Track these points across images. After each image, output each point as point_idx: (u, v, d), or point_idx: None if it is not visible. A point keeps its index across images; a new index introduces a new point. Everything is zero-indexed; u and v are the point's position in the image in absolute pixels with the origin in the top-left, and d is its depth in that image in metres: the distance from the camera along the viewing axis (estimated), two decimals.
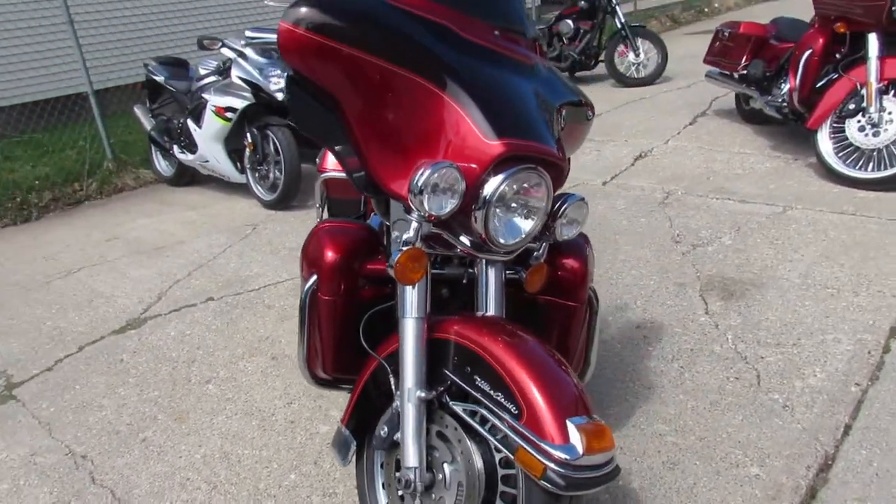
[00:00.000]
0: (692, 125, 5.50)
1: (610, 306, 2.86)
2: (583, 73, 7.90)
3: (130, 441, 2.33)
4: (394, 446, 1.56)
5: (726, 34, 5.24)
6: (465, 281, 1.70)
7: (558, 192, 1.61)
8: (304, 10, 1.37)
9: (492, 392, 1.42)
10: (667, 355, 2.48)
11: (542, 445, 1.29)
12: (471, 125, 1.42)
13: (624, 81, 7.36)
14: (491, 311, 1.60)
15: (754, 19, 5.42)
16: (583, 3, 7.51)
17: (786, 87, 4.38)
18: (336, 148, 1.51)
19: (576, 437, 1.28)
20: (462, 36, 1.54)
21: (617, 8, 7.30)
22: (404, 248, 1.41)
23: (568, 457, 1.27)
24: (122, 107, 6.73)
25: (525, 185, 1.47)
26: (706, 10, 12.94)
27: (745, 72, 4.96)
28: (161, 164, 5.49)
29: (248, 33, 4.40)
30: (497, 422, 1.38)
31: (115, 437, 2.36)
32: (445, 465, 1.50)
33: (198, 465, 2.17)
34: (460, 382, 1.47)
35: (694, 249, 3.29)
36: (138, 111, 5.36)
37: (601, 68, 7.60)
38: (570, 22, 7.57)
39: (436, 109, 1.45)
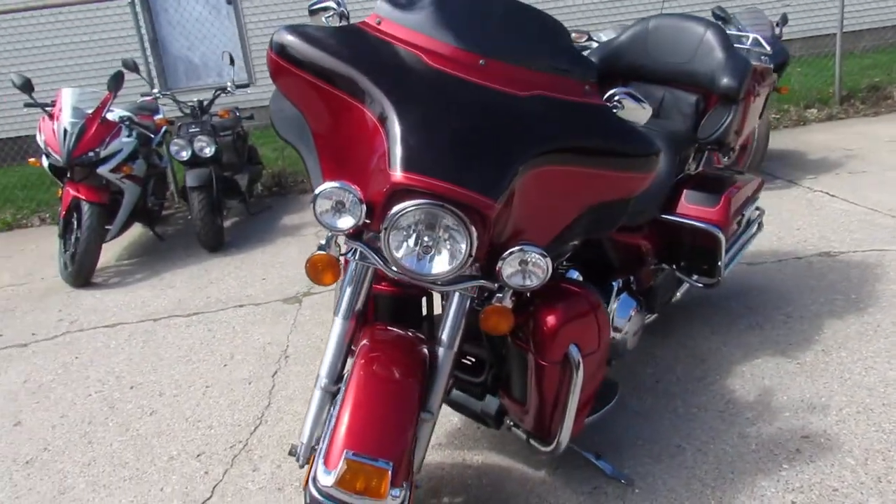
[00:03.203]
0: None
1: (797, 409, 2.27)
2: None
3: (316, 359, 2.98)
4: None
5: None
6: (443, 301, 1.75)
7: (521, 239, 1.54)
8: (279, 38, 1.63)
9: (338, 403, 1.55)
10: (794, 484, 1.92)
11: (318, 462, 1.40)
12: (386, 154, 1.48)
13: None
14: (444, 335, 1.64)
15: None
16: None
17: None
18: (304, 156, 1.73)
19: (337, 468, 1.35)
20: (427, 63, 1.57)
21: None
22: (318, 252, 1.59)
23: (321, 481, 1.36)
24: None
25: (436, 221, 1.47)
26: None
27: None
28: None
29: None
30: (325, 431, 1.51)
31: (315, 352, 3.04)
32: None
33: None
34: (341, 386, 1.62)
35: None
36: None
37: None
38: None
39: (371, 136, 1.55)
